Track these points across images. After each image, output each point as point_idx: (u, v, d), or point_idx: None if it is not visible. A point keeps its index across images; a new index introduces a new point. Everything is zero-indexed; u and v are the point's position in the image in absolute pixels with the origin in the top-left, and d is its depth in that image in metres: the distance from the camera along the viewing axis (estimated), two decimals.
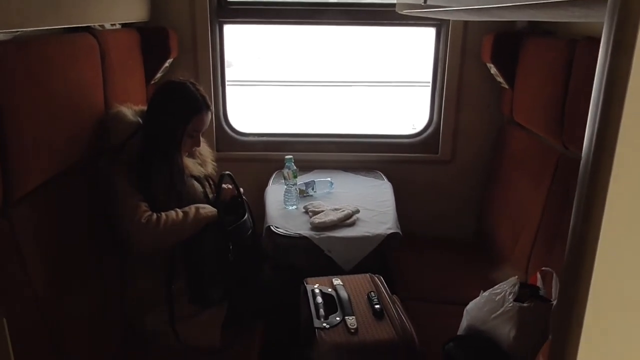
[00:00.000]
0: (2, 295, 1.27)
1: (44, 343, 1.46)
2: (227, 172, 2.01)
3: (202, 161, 2.09)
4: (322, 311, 1.67)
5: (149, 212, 1.78)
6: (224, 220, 1.91)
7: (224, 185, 2.01)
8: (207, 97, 1.96)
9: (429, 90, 2.92)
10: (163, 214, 1.79)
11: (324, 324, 1.62)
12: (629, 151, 0.54)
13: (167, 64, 2.55)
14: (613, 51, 0.52)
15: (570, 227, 0.62)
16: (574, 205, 0.61)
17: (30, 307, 1.42)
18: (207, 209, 1.89)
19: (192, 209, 1.85)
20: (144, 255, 1.84)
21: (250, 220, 2.03)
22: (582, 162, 0.59)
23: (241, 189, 2.09)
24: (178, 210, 1.83)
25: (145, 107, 2.01)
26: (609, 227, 0.57)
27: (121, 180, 1.80)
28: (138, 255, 1.85)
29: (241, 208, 2.03)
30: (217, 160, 2.28)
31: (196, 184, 2.00)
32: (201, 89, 1.96)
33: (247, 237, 1.99)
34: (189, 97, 1.91)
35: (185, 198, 1.90)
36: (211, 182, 2.08)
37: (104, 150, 1.85)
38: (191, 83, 1.94)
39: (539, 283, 1.83)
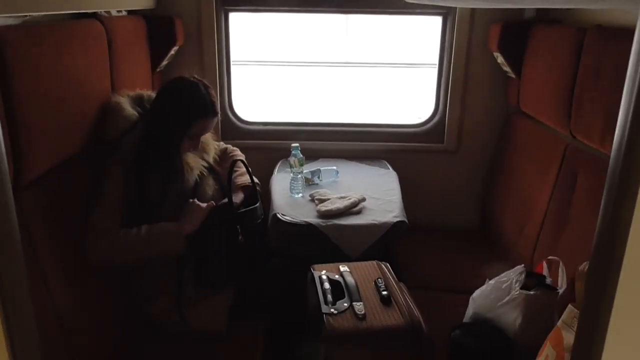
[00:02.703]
0: None
1: (51, 326, 1.47)
2: (240, 158, 1.98)
3: (203, 147, 2.04)
4: (329, 297, 1.67)
5: (111, 225, 1.71)
6: (233, 204, 1.90)
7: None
8: (217, 103, 1.90)
9: (434, 71, 2.90)
10: (125, 230, 1.74)
11: (332, 310, 1.62)
12: None
13: (172, 52, 2.55)
14: None
15: (598, 225, 0.61)
16: (602, 205, 0.60)
17: (39, 291, 1.43)
18: (172, 234, 1.79)
19: (155, 229, 1.77)
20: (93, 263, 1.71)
21: (262, 208, 2.03)
22: (611, 159, 0.58)
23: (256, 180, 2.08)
24: (143, 228, 1.76)
25: (146, 92, 1.99)
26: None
27: (111, 182, 1.75)
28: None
29: (254, 195, 2.02)
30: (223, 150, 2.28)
31: (209, 180, 1.98)
32: (213, 93, 1.90)
33: (259, 225, 1.98)
34: (198, 99, 1.85)
35: (186, 196, 1.88)
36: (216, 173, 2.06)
37: (101, 145, 1.81)
38: (204, 85, 1.88)
39: (545, 272, 1.83)
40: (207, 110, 1.86)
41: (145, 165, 1.81)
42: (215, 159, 2.12)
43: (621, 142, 0.55)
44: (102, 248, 1.69)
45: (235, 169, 2.05)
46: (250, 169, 2.06)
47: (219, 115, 1.95)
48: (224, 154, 2.21)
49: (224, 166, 2.13)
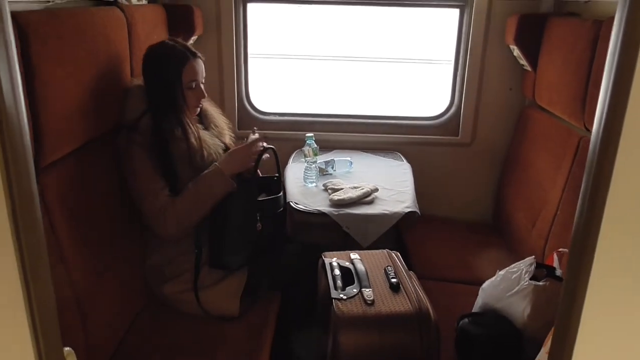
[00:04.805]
0: None
1: (69, 305, 1.51)
2: (272, 146, 2.00)
3: (218, 133, 2.08)
4: (339, 283, 1.70)
5: (165, 200, 1.80)
6: (254, 189, 1.95)
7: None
8: (190, 46, 1.93)
9: (450, 68, 2.90)
10: (178, 197, 1.82)
11: (341, 295, 1.65)
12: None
13: (191, 42, 2.58)
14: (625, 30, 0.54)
15: (579, 203, 0.64)
16: (583, 182, 0.63)
17: (58, 270, 1.47)
18: (213, 176, 1.87)
19: (199, 180, 1.86)
20: (172, 239, 1.88)
21: (284, 199, 2.06)
22: (591, 139, 0.60)
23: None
24: (189, 186, 1.84)
25: None
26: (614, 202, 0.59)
27: (140, 161, 1.80)
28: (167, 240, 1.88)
29: (277, 185, 2.06)
30: (239, 138, 2.30)
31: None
32: (180, 40, 1.94)
33: (280, 214, 2.03)
34: (169, 51, 1.88)
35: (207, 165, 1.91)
36: None
37: (120, 128, 1.85)
38: (170, 39, 1.93)
39: (555, 263, 1.83)
40: (184, 54, 1.88)
41: (164, 137, 1.83)
42: (230, 144, 2.16)
43: (599, 124, 0.58)
44: (171, 224, 1.80)
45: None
46: (279, 160, 2.08)
47: (202, 56, 1.95)
48: None
49: None
